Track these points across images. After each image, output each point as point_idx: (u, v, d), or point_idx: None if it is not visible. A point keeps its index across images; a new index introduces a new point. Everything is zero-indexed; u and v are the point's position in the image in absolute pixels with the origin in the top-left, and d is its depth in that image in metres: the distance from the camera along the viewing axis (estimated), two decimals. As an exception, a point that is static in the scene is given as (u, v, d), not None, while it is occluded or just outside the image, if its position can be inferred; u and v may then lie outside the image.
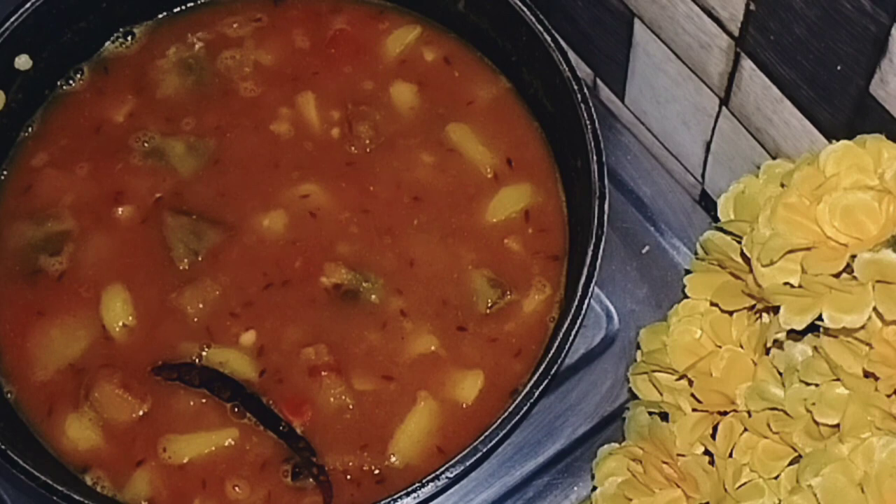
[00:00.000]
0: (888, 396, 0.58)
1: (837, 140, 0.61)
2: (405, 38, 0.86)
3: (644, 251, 0.84)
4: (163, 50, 0.87)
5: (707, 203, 0.85)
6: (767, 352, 0.64)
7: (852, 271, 0.57)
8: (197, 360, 0.77)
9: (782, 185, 0.63)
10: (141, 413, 0.76)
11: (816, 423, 0.59)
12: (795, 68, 0.66)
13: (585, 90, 0.76)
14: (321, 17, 0.87)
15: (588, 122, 0.76)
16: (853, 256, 0.57)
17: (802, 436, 0.61)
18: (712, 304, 0.67)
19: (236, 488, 0.75)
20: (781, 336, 0.61)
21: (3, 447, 0.71)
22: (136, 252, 0.81)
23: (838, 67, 0.62)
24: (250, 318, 0.79)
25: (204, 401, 0.76)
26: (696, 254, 0.69)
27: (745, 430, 0.64)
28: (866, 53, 0.59)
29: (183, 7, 0.88)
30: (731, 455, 0.65)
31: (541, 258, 0.80)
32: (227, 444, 0.75)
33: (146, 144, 0.83)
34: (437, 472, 0.70)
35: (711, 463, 0.65)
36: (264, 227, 0.81)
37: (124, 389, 0.76)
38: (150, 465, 0.75)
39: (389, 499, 0.69)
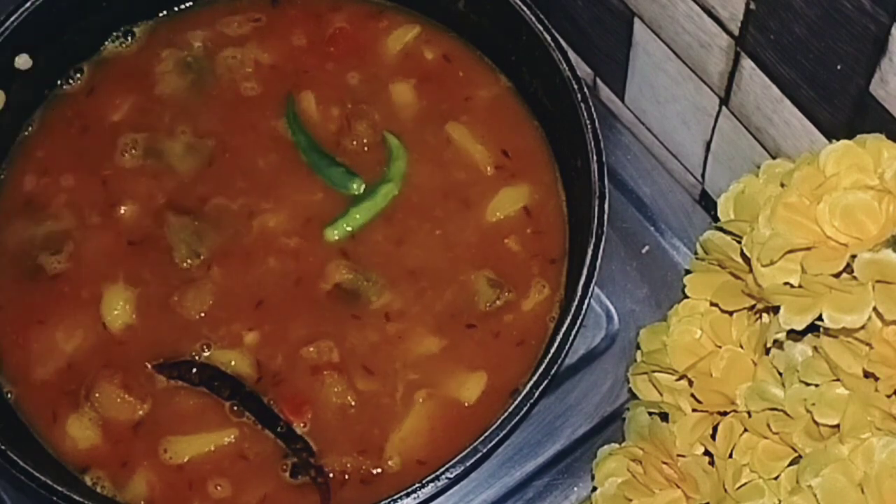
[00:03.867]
0: (888, 396, 0.58)
1: (837, 140, 0.61)
2: (405, 36, 0.86)
3: (644, 251, 0.84)
4: (162, 49, 0.87)
5: (707, 203, 0.85)
6: (767, 352, 0.64)
7: (852, 271, 0.57)
8: (197, 358, 0.77)
9: (782, 185, 0.63)
10: (141, 413, 0.76)
11: (816, 423, 0.59)
12: (795, 68, 0.66)
13: (585, 90, 0.76)
14: (320, 16, 0.87)
15: (588, 121, 0.76)
16: (853, 256, 0.57)
17: (802, 436, 0.61)
18: (712, 304, 0.67)
19: (235, 488, 0.75)
20: (781, 336, 0.61)
21: (3, 447, 0.71)
22: (138, 252, 0.81)
23: (838, 67, 0.62)
24: (252, 318, 0.79)
25: (204, 401, 0.76)
26: (696, 254, 0.69)
27: (745, 430, 0.64)
28: (866, 53, 0.59)
29: (183, 6, 0.88)
30: (731, 455, 0.64)
31: (540, 258, 0.80)
32: (226, 443, 0.75)
33: (146, 144, 0.83)
34: (438, 472, 0.70)
35: (711, 463, 0.65)
36: (265, 227, 0.81)
37: (125, 389, 0.76)
38: (149, 466, 0.75)
39: (390, 499, 0.69)
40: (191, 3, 0.88)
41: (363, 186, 0.81)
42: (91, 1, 0.84)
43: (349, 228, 0.80)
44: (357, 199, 0.81)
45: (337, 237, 0.80)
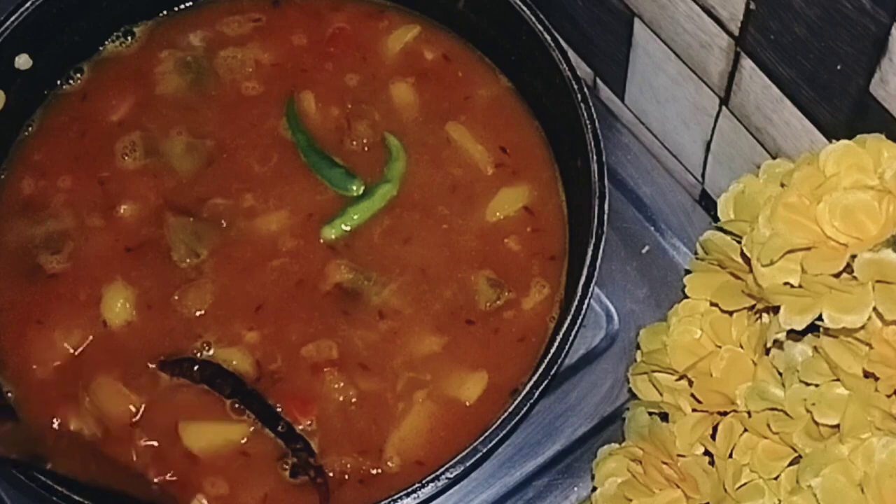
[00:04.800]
0: (888, 396, 0.58)
1: (837, 140, 0.61)
2: (405, 36, 0.86)
3: (644, 251, 0.84)
4: (162, 49, 0.87)
5: (707, 203, 0.85)
6: (767, 352, 0.64)
7: (852, 271, 0.57)
8: (199, 356, 0.77)
9: (782, 185, 0.63)
10: (141, 411, 0.76)
11: (816, 423, 0.59)
12: (795, 68, 0.66)
13: (585, 89, 0.76)
14: (321, 15, 0.87)
15: (588, 121, 0.76)
16: (853, 256, 0.57)
17: (802, 436, 0.61)
18: (712, 304, 0.67)
19: (235, 487, 0.75)
20: (781, 336, 0.61)
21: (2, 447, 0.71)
22: (137, 251, 0.81)
23: (838, 67, 0.62)
24: (252, 319, 0.79)
25: (204, 397, 0.76)
26: (696, 254, 0.69)
27: (745, 430, 0.64)
28: (866, 53, 0.59)
29: (183, 6, 0.88)
30: (731, 455, 0.64)
31: (540, 258, 0.80)
32: (226, 441, 0.75)
33: (145, 145, 0.83)
34: (438, 472, 0.70)
35: (711, 463, 0.65)
36: (265, 228, 0.81)
37: (124, 384, 0.76)
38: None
39: (389, 499, 0.69)
40: (190, 3, 0.88)
41: (362, 188, 0.81)
42: (91, 1, 0.84)
43: (346, 228, 0.80)
44: (355, 199, 0.81)
45: (334, 237, 0.80)
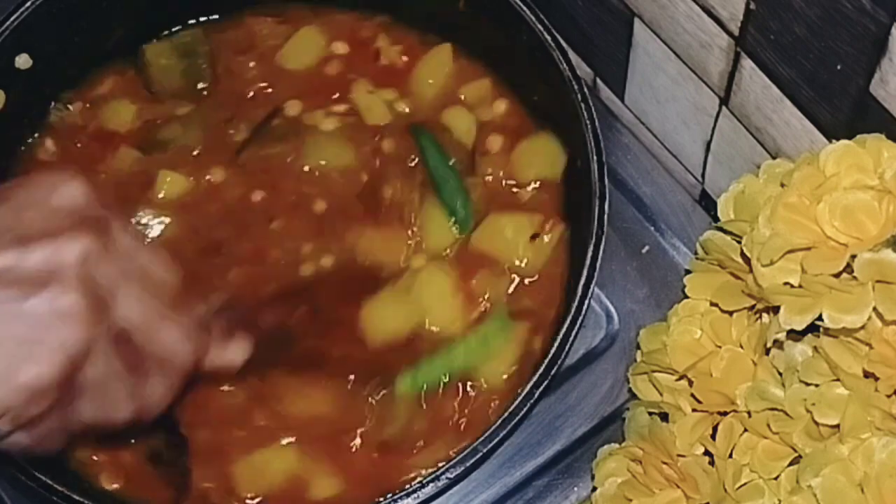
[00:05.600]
0: (888, 396, 0.58)
1: (837, 140, 0.61)
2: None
3: (644, 251, 0.84)
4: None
5: (707, 203, 0.85)
6: (767, 352, 0.64)
7: (852, 271, 0.57)
8: None
9: (782, 185, 0.63)
10: None
11: (816, 423, 0.59)
12: (795, 68, 0.66)
13: (585, 90, 0.76)
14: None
15: (588, 121, 0.76)
16: (853, 256, 0.57)
17: (802, 436, 0.61)
18: (712, 304, 0.67)
19: None
20: (781, 336, 0.61)
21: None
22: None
23: (838, 67, 0.62)
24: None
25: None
26: (696, 254, 0.69)
27: (745, 430, 0.64)
28: (866, 53, 0.59)
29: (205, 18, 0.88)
30: (731, 455, 0.64)
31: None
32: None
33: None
34: (437, 473, 0.69)
35: (711, 463, 0.65)
36: None
37: None
38: None
39: (391, 499, 0.69)
40: (217, 17, 0.88)
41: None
42: (91, 1, 0.84)
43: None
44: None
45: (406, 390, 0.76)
